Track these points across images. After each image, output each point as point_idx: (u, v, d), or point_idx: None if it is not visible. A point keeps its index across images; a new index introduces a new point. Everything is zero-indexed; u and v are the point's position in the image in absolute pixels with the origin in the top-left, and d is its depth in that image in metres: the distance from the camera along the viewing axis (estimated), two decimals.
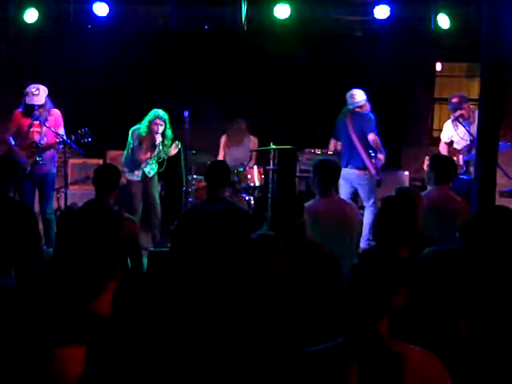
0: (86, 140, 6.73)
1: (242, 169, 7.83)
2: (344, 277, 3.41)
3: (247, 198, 7.72)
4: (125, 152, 7.49)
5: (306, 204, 4.44)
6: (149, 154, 7.37)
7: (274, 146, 7.95)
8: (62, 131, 6.83)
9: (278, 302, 2.76)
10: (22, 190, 6.68)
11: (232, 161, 8.01)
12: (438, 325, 3.05)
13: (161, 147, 7.36)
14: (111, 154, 8.67)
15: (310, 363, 2.17)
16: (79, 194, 7.60)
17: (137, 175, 7.44)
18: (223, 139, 8.38)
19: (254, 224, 4.87)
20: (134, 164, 7.43)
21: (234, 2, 7.45)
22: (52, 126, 6.71)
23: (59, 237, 3.74)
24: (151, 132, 7.28)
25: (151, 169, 7.52)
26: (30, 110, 6.69)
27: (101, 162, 8.27)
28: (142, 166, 7.44)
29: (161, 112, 7.29)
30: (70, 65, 8.84)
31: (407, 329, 2.51)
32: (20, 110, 6.79)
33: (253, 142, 8.31)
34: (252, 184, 7.80)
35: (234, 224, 2.89)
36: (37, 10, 7.57)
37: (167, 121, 7.34)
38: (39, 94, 6.68)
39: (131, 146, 7.40)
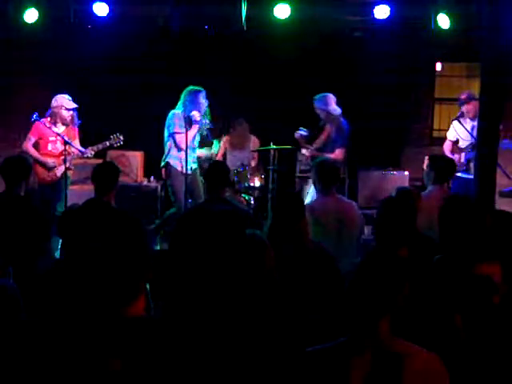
0: (117, 143, 7.21)
1: (242, 169, 7.83)
2: (343, 276, 3.42)
3: (247, 197, 7.72)
4: (167, 142, 7.06)
5: (307, 202, 4.46)
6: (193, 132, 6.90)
7: (274, 146, 7.96)
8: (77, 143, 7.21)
9: (274, 302, 2.76)
10: (42, 188, 6.97)
11: (234, 161, 8.01)
12: (439, 324, 3.06)
13: (203, 120, 6.97)
14: (111, 154, 8.66)
15: (311, 362, 2.17)
16: (79, 193, 7.59)
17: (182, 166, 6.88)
18: (224, 140, 8.38)
19: (254, 224, 4.88)
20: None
21: (234, 2, 7.44)
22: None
23: (64, 237, 3.73)
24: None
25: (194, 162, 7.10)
26: (64, 117, 7.07)
27: (101, 162, 8.27)
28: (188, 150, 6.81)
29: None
30: (69, 65, 8.84)
31: (408, 328, 2.51)
32: (46, 119, 7.06)
33: (254, 141, 8.31)
34: (252, 184, 7.80)
35: (234, 224, 2.89)
36: (37, 10, 7.57)
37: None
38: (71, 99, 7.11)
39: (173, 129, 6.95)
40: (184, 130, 6.77)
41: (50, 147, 7.03)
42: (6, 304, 2.45)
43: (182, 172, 6.87)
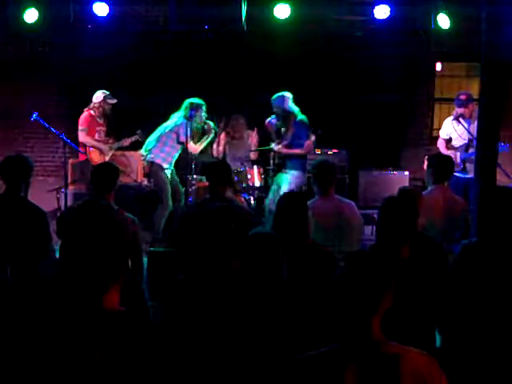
0: (142, 139, 7.75)
1: (242, 169, 7.83)
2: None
3: (247, 197, 7.71)
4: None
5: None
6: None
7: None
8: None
9: (276, 302, 2.75)
10: None
11: (232, 158, 8.00)
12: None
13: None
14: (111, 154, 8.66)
15: (305, 369, 2.14)
16: (79, 193, 7.58)
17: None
18: (222, 136, 8.37)
19: (254, 223, 4.88)
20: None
21: (234, 2, 7.45)
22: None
23: (62, 238, 3.73)
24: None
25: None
26: (106, 111, 7.65)
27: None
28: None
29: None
30: (69, 65, 8.85)
31: (404, 329, 2.50)
32: (90, 112, 7.59)
33: (252, 136, 8.29)
34: (252, 184, 7.79)
35: (234, 222, 2.89)
36: (37, 10, 7.58)
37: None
38: None
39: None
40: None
41: (96, 136, 7.66)
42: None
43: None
